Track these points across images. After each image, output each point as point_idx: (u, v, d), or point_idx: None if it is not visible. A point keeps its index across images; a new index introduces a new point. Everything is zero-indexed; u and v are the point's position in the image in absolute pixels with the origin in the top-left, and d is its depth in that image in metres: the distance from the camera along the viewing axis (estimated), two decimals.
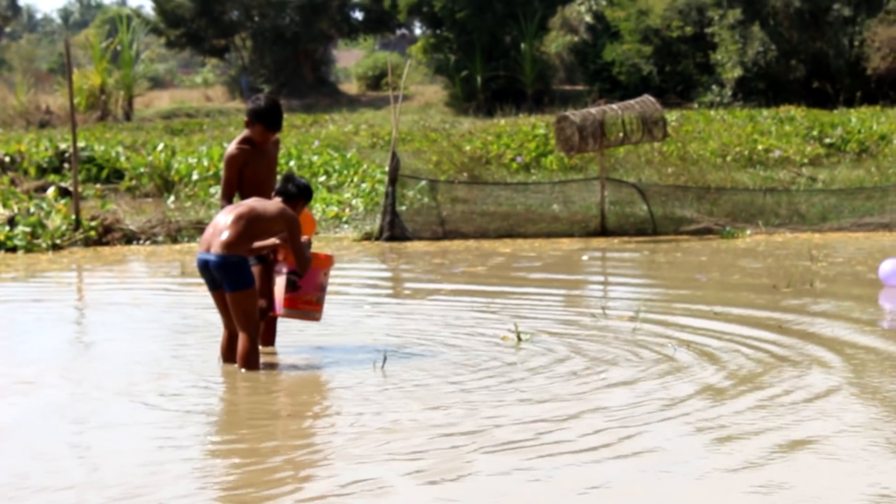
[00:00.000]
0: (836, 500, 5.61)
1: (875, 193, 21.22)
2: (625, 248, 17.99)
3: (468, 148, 28.36)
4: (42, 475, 6.05)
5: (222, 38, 58.10)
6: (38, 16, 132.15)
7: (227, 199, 9.25)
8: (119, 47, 49.99)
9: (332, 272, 9.44)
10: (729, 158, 26.95)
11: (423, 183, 21.33)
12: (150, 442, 6.67)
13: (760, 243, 18.18)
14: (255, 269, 8.92)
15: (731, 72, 41.03)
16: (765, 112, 33.93)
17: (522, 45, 49.62)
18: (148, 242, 18.65)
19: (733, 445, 6.53)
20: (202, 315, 11.20)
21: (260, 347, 8.80)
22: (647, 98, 20.59)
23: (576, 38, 51.35)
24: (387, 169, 20.01)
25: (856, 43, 40.60)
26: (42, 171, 25.78)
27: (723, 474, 5.98)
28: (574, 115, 20.29)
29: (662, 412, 7.25)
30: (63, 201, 20.89)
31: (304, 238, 8.80)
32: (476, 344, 9.67)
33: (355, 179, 25.25)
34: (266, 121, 9.16)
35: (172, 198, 23.72)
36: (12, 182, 24.14)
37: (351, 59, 79.56)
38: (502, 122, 34.25)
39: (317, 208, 21.72)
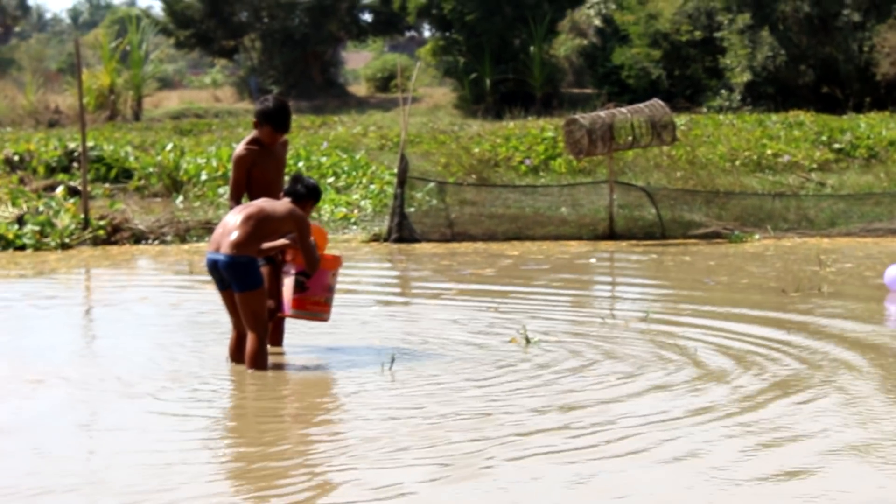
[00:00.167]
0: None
1: (884, 199, 21.18)
2: (633, 252, 17.98)
3: (477, 150, 28.36)
4: (52, 476, 6.02)
5: (231, 39, 58.13)
6: (48, 16, 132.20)
7: (236, 199, 9.25)
8: (128, 47, 50.04)
9: (340, 273, 9.44)
10: (738, 163, 26.92)
11: (432, 185, 21.32)
12: (159, 444, 6.65)
13: (769, 248, 18.16)
14: (264, 270, 8.92)
15: (740, 76, 41.00)
16: (774, 117, 33.89)
17: (531, 48, 49.59)
18: (156, 242, 18.66)
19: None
20: (211, 315, 11.21)
21: (268, 347, 8.81)
22: (657, 102, 20.57)
23: (585, 42, 51.32)
24: (395, 171, 20.01)
25: (865, 48, 40.53)
26: (51, 171, 25.80)
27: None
28: (583, 118, 20.28)
29: (677, 417, 7.22)
30: (72, 200, 20.91)
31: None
32: (484, 346, 9.67)
33: (364, 181, 25.25)
34: (274, 122, 9.16)
35: (181, 198, 23.72)
36: (21, 181, 24.17)
37: (360, 61, 79.60)
38: (511, 124, 34.23)
39: (325, 209, 21.73)
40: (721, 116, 35.01)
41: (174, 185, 24.93)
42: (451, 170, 26.07)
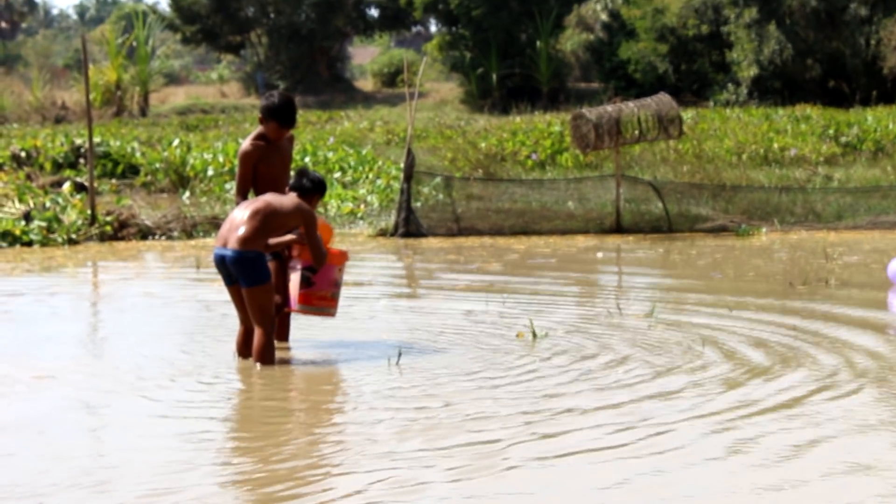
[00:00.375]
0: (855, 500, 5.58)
1: (891, 192, 21.16)
2: (640, 246, 17.96)
3: (483, 145, 28.36)
4: (60, 475, 5.98)
5: (238, 35, 58.20)
6: (54, 12, 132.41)
7: (242, 195, 9.26)
8: (135, 43, 50.12)
9: (346, 268, 9.43)
10: (744, 157, 26.91)
11: (439, 180, 21.32)
12: (168, 441, 6.62)
13: (776, 241, 18.14)
14: (270, 265, 8.92)
15: (746, 70, 40.98)
16: (780, 111, 33.89)
17: (538, 43, 49.62)
18: (163, 238, 18.68)
19: (757, 444, 6.48)
20: (218, 310, 11.22)
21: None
22: (663, 96, 20.55)
23: (591, 37, 51.31)
24: (402, 165, 20.00)
25: (872, 42, 40.49)
26: (58, 167, 25.84)
27: (747, 473, 5.94)
28: (590, 112, 20.26)
29: (690, 411, 7.21)
30: (79, 196, 20.93)
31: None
32: (491, 341, 9.66)
33: (370, 176, 25.27)
34: (280, 117, 9.16)
35: (187, 193, 23.74)
36: (28, 177, 24.21)
37: (366, 56, 79.65)
38: (517, 119, 34.25)
39: (332, 204, 21.74)
40: (728, 111, 35.00)
41: (181, 181, 24.96)
42: (457, 164, 26.07)
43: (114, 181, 25.29)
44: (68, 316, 11.53)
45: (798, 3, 40.96)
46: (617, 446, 6.42)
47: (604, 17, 51.01)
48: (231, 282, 8.64)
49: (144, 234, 18.71)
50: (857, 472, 5.98)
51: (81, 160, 25.74)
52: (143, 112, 47.92)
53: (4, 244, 17.56)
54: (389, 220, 19.67)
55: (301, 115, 38.08)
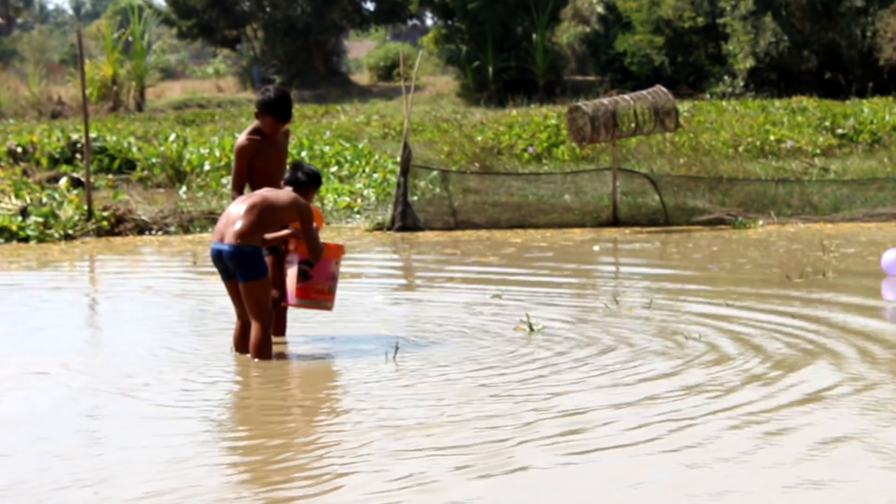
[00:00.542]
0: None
1: (887, 184, 21.17)
2: (636, 239, 17.97)
3: (480, 138, 28.36)
4: (61, 472, 5.94)
5: (234, 29, 58.12)
6: (50, 6, 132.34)
7: (238, 189, 9.27)
8: (131, 38, 50.05)
9: (343, 262, 9.44)
10: (741, 149, 26.92)
11: (435, 173, 21.33)
12: (167, 438, 6.57)
13: (772, 234, 18.15)
14: (267, 260, 8.92)
15: (743, 62, 40.97)
16: (777, 103, 33.90)
17: (534, 36, 49.57)
18: (160, 232, 18.67)
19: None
20: (215, 305, 11.22)
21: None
22: (660, 88, 20.56)
23: (587, 29, 51.30)
24: (398, 159, 20.00)
25: (868, 34, 40.49)
26: (54, 162, 25.82)
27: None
28: (586, 105, 20.27)
29: (692, 406, 7.20)
30: (75, 192, 20.92)
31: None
32: (489, 334, 9.66)
33: (367, 170, 25.27)
34: (276, 112, 9.16)
35: (184, 188, 23.73)
36: (25, 173, 24.18)
37: (362, 50, 79.60)
38: (514, 112, 34.23)
39: (328, 198, 21.74)
40: (724, 103, 35.00)
41: (177, 176, 24.95)
42: (454, 158, 26.07)
43: (110, 176, 25.27)
44: (65, 311, 11.52)
45: None
46: (638, 443, 6.35)
47: (600, 9, 51.00)
48: (228, 276, 8.65)
49: (141, 229, 18.71)
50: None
51: (78, 155, 25.73)
52: (140, 107, 47.87)
53: (1, 240, 17.56)
54: (386, 214, 19.67)
55: (297, 109, 38.03)
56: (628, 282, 13.79)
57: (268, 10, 56.92)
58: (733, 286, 12.53)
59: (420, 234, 18.72)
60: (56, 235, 17.81)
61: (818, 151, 27.08)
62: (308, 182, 8.89)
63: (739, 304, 11.13)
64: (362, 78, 62.38)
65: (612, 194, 19.91)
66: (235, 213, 8.56)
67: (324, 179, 22.63)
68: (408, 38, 74.67)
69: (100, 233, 18.31)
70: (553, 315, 10.54)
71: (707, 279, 13.27)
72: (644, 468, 5.93)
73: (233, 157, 9.52)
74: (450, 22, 51.93)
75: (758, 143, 27.50)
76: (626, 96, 20.54)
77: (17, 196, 19.81)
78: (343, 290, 10.29)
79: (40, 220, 18.09)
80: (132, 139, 29.06)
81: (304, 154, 26.78)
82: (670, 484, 5.70)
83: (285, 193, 8.67)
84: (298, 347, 9.24)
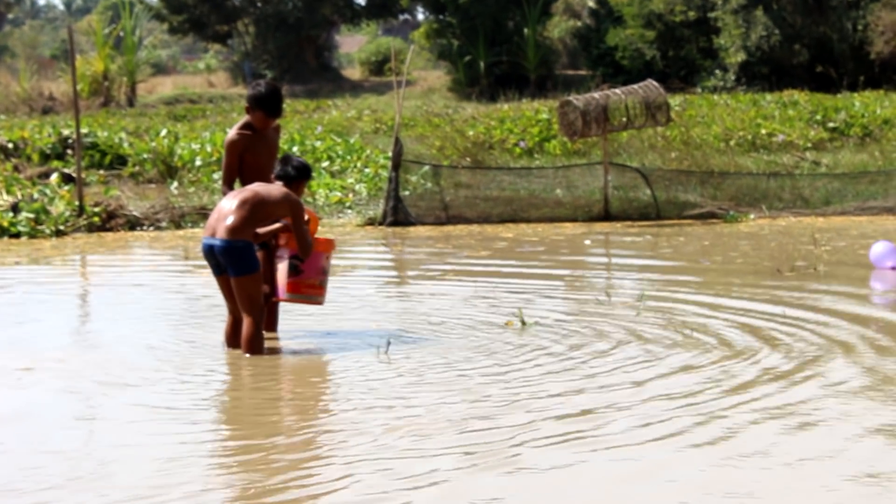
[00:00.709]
0: None
1: (878, 177, 21.20)
2: (628, 233, 17.98)
3: (471, 133, 28.35)
4: (53, 471, 5.90)
5: (225, 24, 58.07)
6: (41, 2, 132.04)
7: (228, 184, 9.27)
8: (122, 33, 49.97)
9: (335, 257, 9.43)
10: (732, 143, 26.93)
11: (427, 168, 21.32)
12: (159, 436, 6.54)
13: (764, 227, 18.17)
14: (258, 255, 8.92)
15: (734, 56, 40.99)
16: (768, 96, 33.92)
17: (525, 30, 49.58)
18: (151, 228, 18.66)
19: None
20: (206, 300, 11.21)
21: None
22: (651, 83, 20.57)
23: (579, 23, 51.28)
24: (390, 154, 20.00)
25: (859, 27, 40.52)
26: (45, 158, 25.75)
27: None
28: (577, 99, 20.27)
29: (676, 400, 7.23)
30: (66, 187, 20.89)
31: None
32: (481, 329, 9.66)
33: (358, 165, 25.24)
34: (266, 107, 9.16)
35: (176, 183, 23.69)
36: (16, 168, 24.12)
37: (354, 45, 79.56)
38: (505, 107, 34.22)
39: (320, 193, 21.72)
40: (715, 97, 35.02)
41: (169, 171, 24.90)
42: (445, 153, 26.05)
43: (101, 172, 25.21)
44: (57, 307, 11.50)
45: None
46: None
47: (591, 3, 50.99)
48: (219, 271, 8.64)
49: (133, 224, 18.69)
50: None
51: (69, 151, 25.67)
52: (131, 102, 47.81)
53: None
54: (377, 209, 19.67)
55: (288, 104, 38.00)
56: (620, 276, 13.80)
57: (259, 5, 56.86)
58: (725, 279, 12.54)
59: (411, 228, 18.72)
60: (47, 231, 17.78)
61: (809, 145, 27.10)
62: (297, 175, 8.89)
63: (730, 296, 11.14)
64: (354, 73, 62.38)
65: (604, 188, 19.92)
66: (227, 208, 8.56)
67: (315, 174, 22.62)
68: (399, 33, 74.65)
69: (91, 228, 18.29)
70: (545, 310, 10.54)
71: (698, 273, 13.28)
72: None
73: (223, 152, 9.51)
74: (441, 16, 51.91)
75: (749, 136, 27.52)
76: (618, 90, 20.54)
77: (8, 192, 19.78)
78: (334, 285, 10.28)
79: (31, 216, 18.07)
80: (123, 135, 29.00)
81: (295, 149, 26.75)
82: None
83: (277, 189, 8.67)
84: (290, 343, 9.23)
